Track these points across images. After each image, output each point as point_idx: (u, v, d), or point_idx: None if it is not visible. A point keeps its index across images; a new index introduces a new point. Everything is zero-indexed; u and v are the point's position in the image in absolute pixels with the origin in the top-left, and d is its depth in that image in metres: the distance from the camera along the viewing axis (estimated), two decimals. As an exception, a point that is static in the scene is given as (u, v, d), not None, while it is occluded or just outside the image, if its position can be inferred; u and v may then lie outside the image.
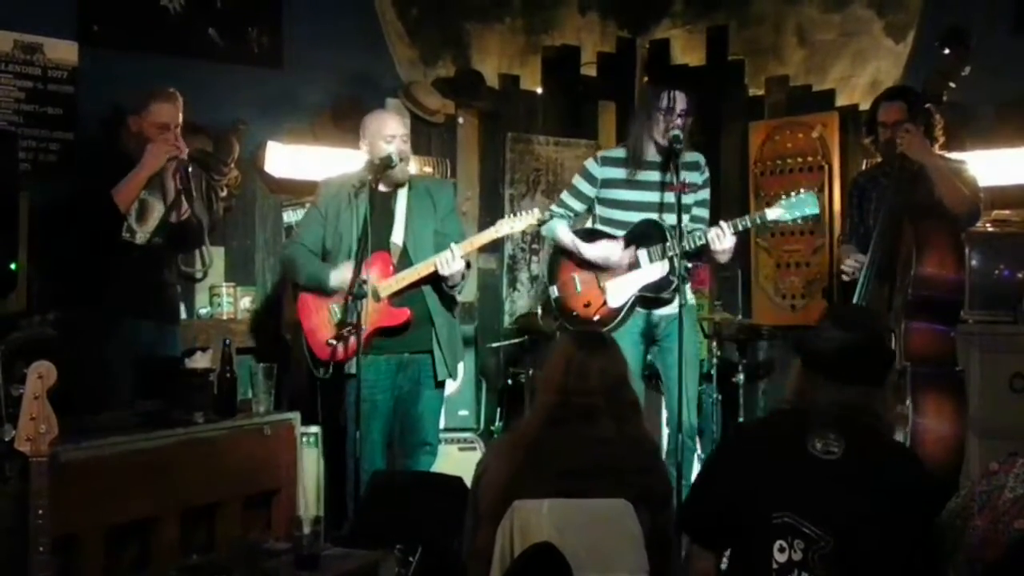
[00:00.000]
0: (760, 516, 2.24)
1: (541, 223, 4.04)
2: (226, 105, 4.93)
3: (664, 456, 3.62)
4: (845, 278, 4.00)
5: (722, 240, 3.76)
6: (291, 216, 5.17)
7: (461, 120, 5.90)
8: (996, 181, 4.62)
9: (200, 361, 3.56)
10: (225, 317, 4.83)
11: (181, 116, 3.93)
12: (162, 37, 4.87)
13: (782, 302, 5.74)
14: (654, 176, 3.97)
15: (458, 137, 5.90)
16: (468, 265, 4.01)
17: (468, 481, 2.87)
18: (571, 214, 4.13)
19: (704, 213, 4.02)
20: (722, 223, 3.79)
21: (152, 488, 3.11)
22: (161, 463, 3.16)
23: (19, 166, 4.23)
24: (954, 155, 4.16)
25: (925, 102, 3.87)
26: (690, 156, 3.99)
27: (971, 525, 2.52)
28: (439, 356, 3.99)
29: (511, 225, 3.96)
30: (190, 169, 3.91)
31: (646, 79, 6.44)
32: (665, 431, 4.51)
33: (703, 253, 3.89)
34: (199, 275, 4.25)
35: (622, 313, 3.94)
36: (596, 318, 3.97)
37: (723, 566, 2.42)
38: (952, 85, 3.81)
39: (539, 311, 5.56)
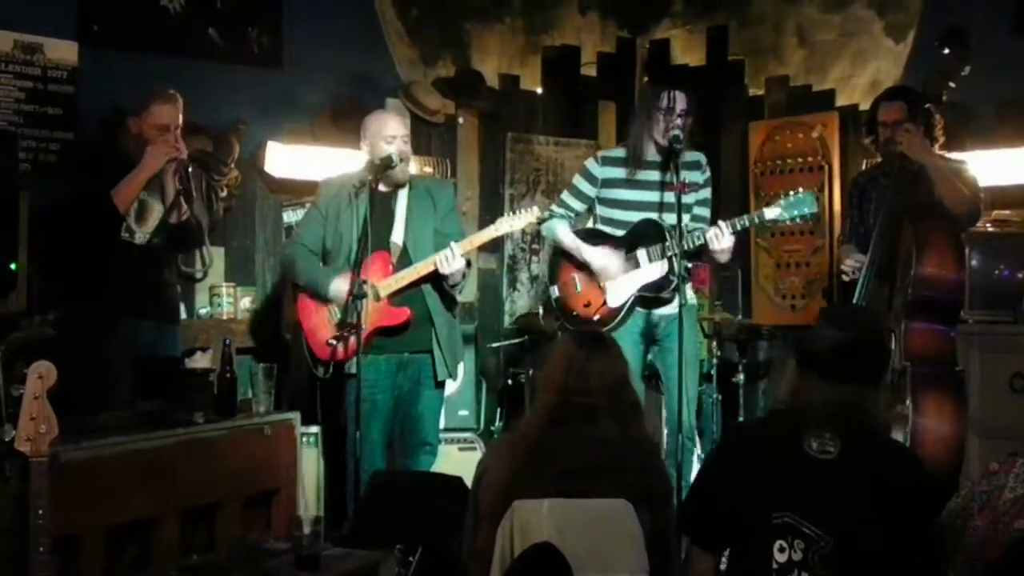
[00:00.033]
0: (760, 516, 2.24)
1: (541, 221, 4.04)
2: (226, 105, 4.93)
3: (664, 456, 3.63)
4: (845, 278, 4.01)
5: (720, 240, 3.76)
6: (291, 216, 5.17)
7: (461, 120, 5.90)
8: (996, 181, 4.62)
9: (200, 361, 3.57)
10: (225, 317, 4.83)
11: (181, 117, 3.93)
12: (162, 37, 4.87)
13: (782, 302, 5.74)
14: (654, 176, 3.97)
15: (458, 137, 5.90)
16: (468, 264, 4.01)
17: (468, 481, 2.87)
18: (571, 214, 4.13)
19: (705, 212, 4.02)
20: (720, 223, 3.79)
21: (152, 488, 3.11)
22: (161, 463, 3.16)
23: (19, 166, 4.24)
24: (954, 155, 4.16)
25: (925, 102, 3.87)
26: (691, 155, 3.99)
27: (971, 525, 2.52)
28: (439, 356, 3.99)
29: (511, 223, 3.96)
30: (190, 169, 3.91)
31: (646, 79, 6.44)
32: (665, 431, 4.51)
33: (703, 253, 3.89)
34: (199, 275, 4.25)
35: (622, 313, 3.94)
36: (596, 318, 3.97)
37: (723, 567, 2.42)
38: (952, 85, 3.81)
39: (540, 311, 5.56)
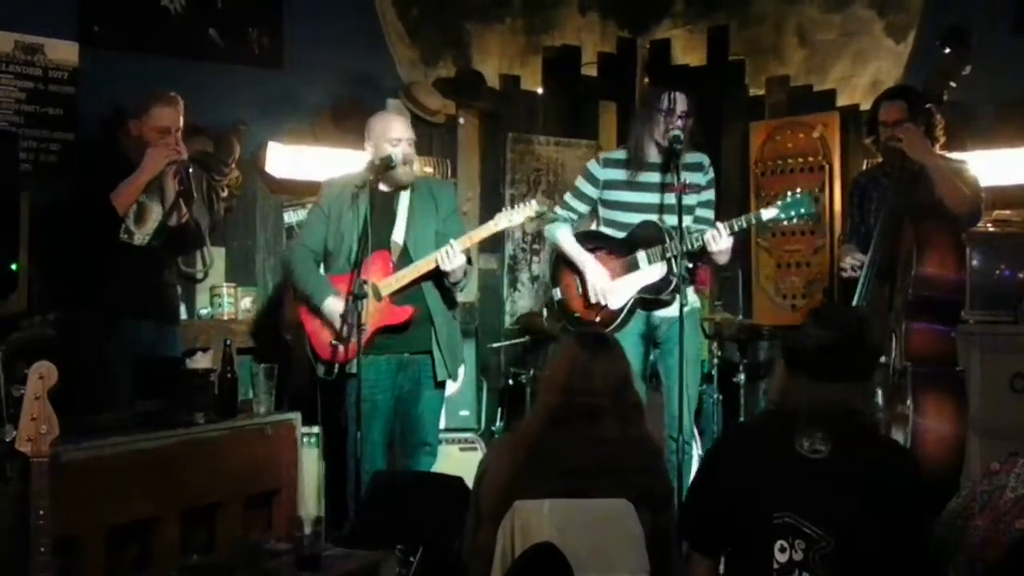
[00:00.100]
0: (760, 516, 2.24)
1: (539, 214, 4.03)
2: (227, 105, 4.93)
3: (665, 456, 3.62)
4: (844, 275, 4.01)
5: (718, 241, 3.75)
6: (292, 217, 5.17)
7: (462, 120, 5.90)
8: (996, 181, 4.61)
9: (201, 361, 3.57)
10: (226, 317, 4.83)
11: (182, 120, 3.93)
12: (163, 38, 4.87)
13: (783, 302, 5.74)
14: (655, 178, 3.97)
15: (459, 137, 5.90)
16: (469, 261, 4.01)
17: (469, 481, 2.87)
18: (574, 216, 4.13)
19: (708, 214, 4.00)
20: (718, 224, 3.79)
21: (153, 488, 3.11)
22: (162, 463, 3.16)
23: (20, 166, 4.23)
24: (955, 155, 4.16)
25: (926, 102, 3.87)
26: (694, 157, 3.98)
27: (972, 525, 2.52)
28: (438, 356, 3.99)
29: (509, 218, 3.96)
30: (191, 170, 3.91)
31: (647, 81, 6.44)
32: (666, 432, 4.51)
33: (703, 254, 3.89)
34: (200, 276, 4.25)
35: (622, 315, 3.94)
36: (597, 319, 3.97)
37: (721, 568, 2.42)
38: (953, 85, 3.81)
39: (544, 312, 5.55)
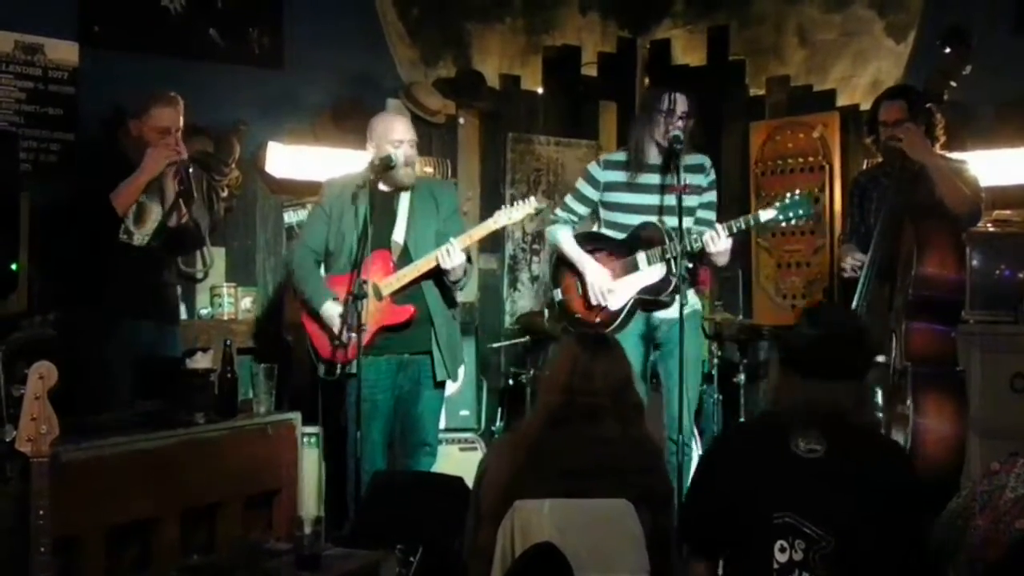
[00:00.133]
0: (759, 517, 2.24)
1: (539, 212, 4.04)
2: (227, 105, 4.93)
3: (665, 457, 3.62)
4: (845, 275, 4.01)
5: (717, 242, 3.74)
6: (292, 217, 5.17)
7: (462, 120, 5.90)
8: (996, 181, 4.61)
9: (201, 361, 3.56)
10: (226, 317, 4.83)
11: (182, 120, 3.93)
12: (163, 38, 4.87)
13: (783, 302, 5.74)
14: (656, 179, 3.97)
15: (459, 137, 5.90)
16: (469, 260, 4.02)
17: (469, 481, 2.87)
18: (575, 218, 4.13)
19: (709, 216, 3.99)
20: (717, 225, 3.78)
21: (153, 488, 3.11)
22: (162, 463, 3.16)
23: (20, 166, 4.24)
24: (955, 155, 4.16)
25: (926, 101, 3.87)
26: (695, 159, 3.98)
27: (972, 525, 2.52)
28: (438, 357, 3.99)
29: (509, 215, 3.96)
30: (191, 170, 3.91)
31: (647, 80, 6.44)
32: (665, 433, 4.51)
33: (702, 256, 3.88)
34: (200, 276, 4.25)
35: (622, 316, 3.94)
36: (597, 320, 3.97)
37: (720, 571, 2.42)
38: (953, 84, 3.80)
39: (545, 313, 5.55)
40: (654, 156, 3.96)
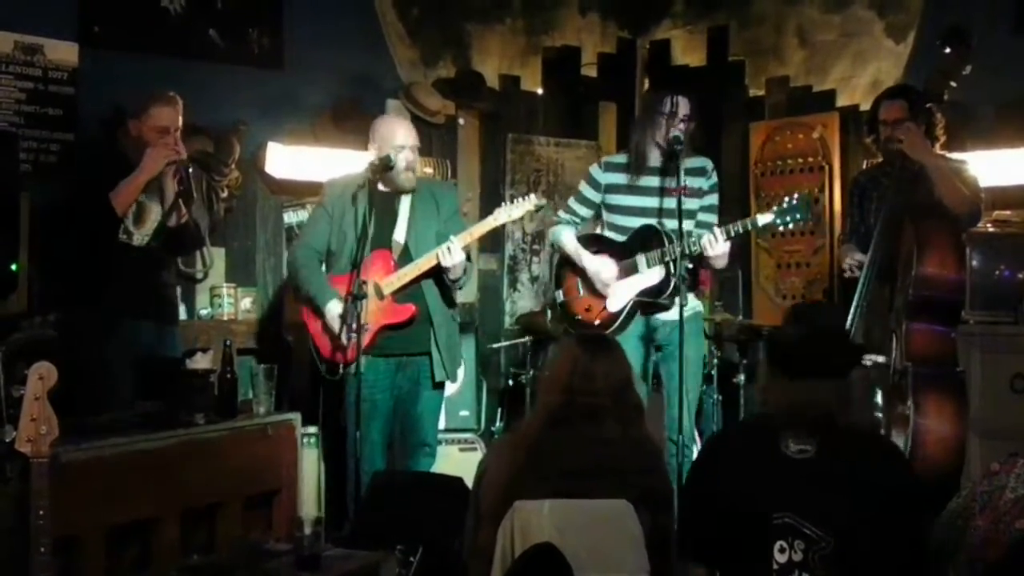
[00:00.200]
0: (757, 518, 2.24)
1: (539, 209, 4.04)
2: (227, 106, 4.93)
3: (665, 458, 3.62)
4: (846, 275, 4.00)
5: (715, 246, 3.73)
6: (292, 217, 5.17)
7: (462, 121, 5.90)
8: (996, 181, 4.61)
9: (201, 362, 3.57)
10: (226, 318, 4.83)
11: (181, 119, 3.93)
12: (163, 38, 4.88)
13: (783, 303, 5.73)
14: (657, 181, 3.96)
15: (459, 138, 5.90)
16: (469, 258, 4.02)
17: (469, 481, 2.87)
18: (577, 219, 4.14)
19: (710, 218, 3.98)
20: (715, 228, 3.78)
21: (153, 489, 3.11)
22: (162, 464, 3.16)
23: (20, 167, 4.24)
24: (955, 155, 4.16)
25: (926, 101, 3.87)
26: (697, 161, 3.97)
27: (972, 525, 2.52)
28: (437, 357, 3.99)
29: (509, 213, 3.96)
30: (190, 170, 3.91)
31: (647, 81, 6.44)
32: (665, 434, 4.51)
33: (701, 259, 3.88)
34: (200, 276, 4.25)
35: (621, 317, 3.94)
36: (597, 322, 3.97)
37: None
38: (953, 84, 3.81)
39: (547, 314, 5.55)
40: (655, 158, 3.96)
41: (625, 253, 3.97)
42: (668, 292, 3.81)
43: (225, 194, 4.84)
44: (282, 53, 5.26)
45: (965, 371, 3.87)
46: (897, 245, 3.77)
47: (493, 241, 5.82)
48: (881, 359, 3.71)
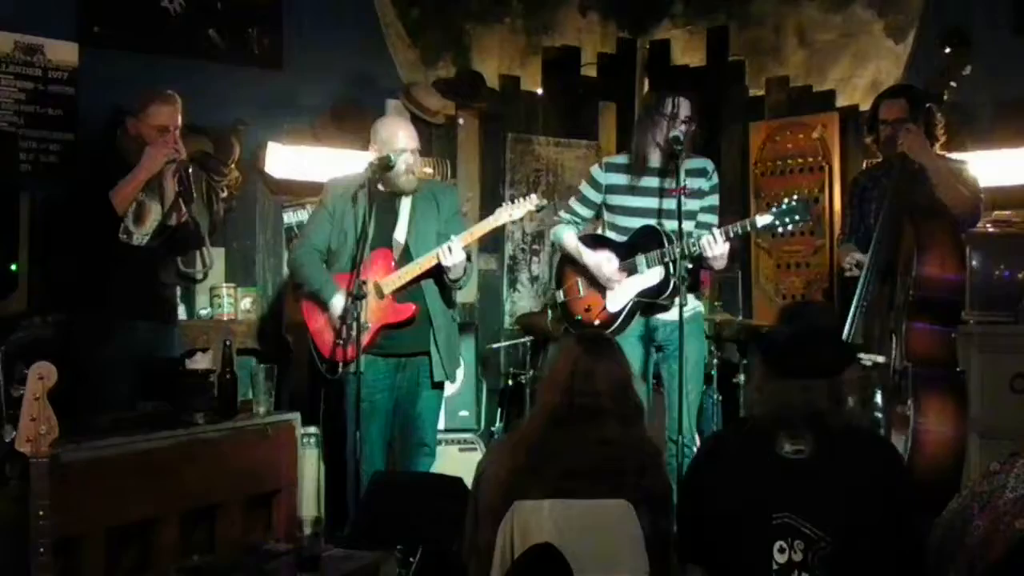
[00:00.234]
0: (756, 520, 2.24)
1: (539, 209, 4.04)
2: (226, 106, 4.94)
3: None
4: (846, 274, 4.00)
5: (713, 247, 3.73)
6: (291, 217, 5.17)
7: (461, 121, 5.90)
8: (996, 181, 4.61)
9: (200, 362, 3.57)
10: (226, 318, 4.83)
11: (180, 118, 3.93)
12: (162, 38, 4.88)
13: (783, 303, 5.73)
14: (657, 182, 3.96)
15: (458, 138, 5.91)
16: (469, 258, 4.02)
17: (468, 482, 2.86)
18: (578, 220, 4.14)
19: (710, 219, 3.97)
20: (714, 229, 3.78)
21: (153, 489, 3.11)
22: (162, 464, 3.16)
23: (20, 166, 4.24)
24: (955, 155, 4.16)
25: (926, 101, 3.87)
26: (698, 162, 3.98)
27: (972, 525, 2.52)
28: (436, 357, 3.99)
29: (510, 213, 3.96)
30: (190, 170, 3.91)
31: (647, 85, 6.44)
32: (666, 434, 4.51)
33: (700, 259, 3.88)
34: (200, 276, 4.24)
35: (621, 318, 3.94)
36: (597, 323, 3.97)
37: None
38: (953, 85, 3.80)
39: (548, 314, 5.55)
40: (656, 159, 3.96)
41: (625, 253, 3.97)
42: (668, 292, 3.82)
43: (225, 194, 4.84)
44: (282, 53, 5.26)
45: (965, 371, 3.87)
46: (897, 245, 3.77)
47: (493, 241, 5.83)
48: (881, 359, 3.70)
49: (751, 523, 2.25)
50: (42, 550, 2.35)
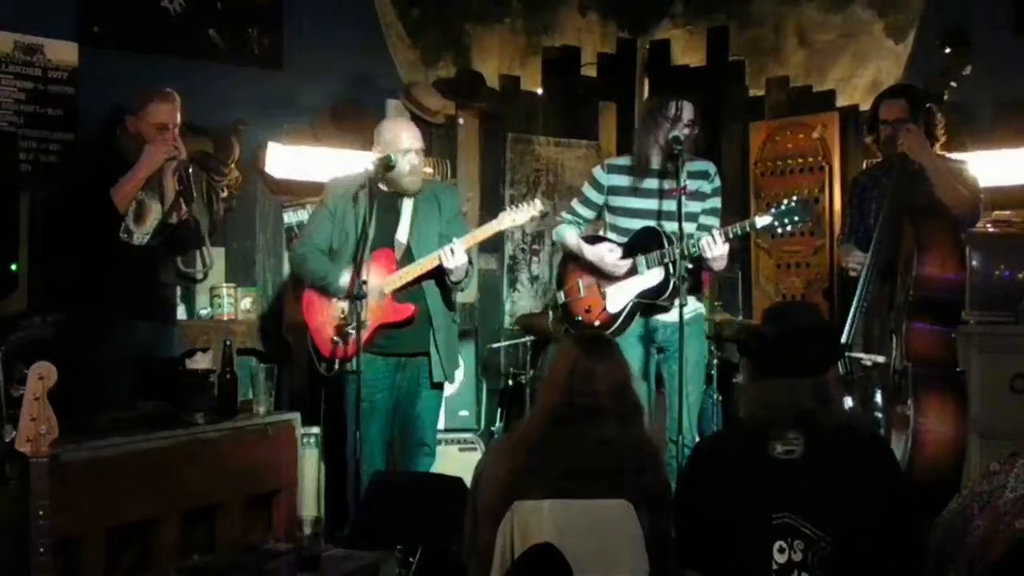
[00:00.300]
0: (754, 521, 2.24)
1: (543, 215, 4.05)
2: (226, 106, 4.94)
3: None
4: (851, 274, 3.99)
5: (713, 248, 3.74)
6: (291, 217, 5.17)
7: (461, 121, 5.90)
8: (996, 181, 4.61)
9: (200, 362, 3.57)
10: (226, 318, 4.83)
11: (179, 116, 3.93)
12: (162, 38, 4.88)
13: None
14: (659, 184, 3.97)
15: (458, 138, 5.90)
16: (470, 261, 4.02)
17: (468, 482, 2.87)
18: (580, 221, 4.14)
19: (712, 222, 3.97)
20: (713, 230, 3.78)
21: (153, 489, 3.11)
22: (162, 464, 3.16)
23: (19, 167, 4.24)
24: (955, 155, 4.16)
25: (926, 101, 3.87)
26: (700, 165, 3.98)
27: (972, 525, 2.52)
28: (436, 358, 4.00)
29: (513, 217, 3.97)
30: (190, 170, 3.91)
31: (647, 84, 6.44)
32: (667, 435, 4.51)
33: (700, 261, 3.88)
34: (200, 276, 4.25)
35: (621, 319, 3.94)
36: (597, 323, 3.98)
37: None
38: (953, 85, 3.80)
39: (549, 314, 5.55)
40: (658, 161, 3.96)
41: (625, 254, 3.97)
42: (668, 293, 3.82)
43: (225, 194, 4.84)
44: (281, 53, 5.26)
45: (965, 371, 3.87)
46: (897, 245, 3.77)
47: (493, 241, 5.81)
48: (881, 359, 3.71)
49: (751, 523, 2.25)
50: (42, 550, 2.35)
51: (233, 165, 4.87)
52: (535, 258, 6.16)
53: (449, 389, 4.28)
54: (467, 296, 5.49)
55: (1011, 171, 4.75)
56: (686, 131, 3.83)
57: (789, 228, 3.79)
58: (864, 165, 5.04)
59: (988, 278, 4.44)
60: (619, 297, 3.96)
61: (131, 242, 3.88)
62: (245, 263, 5.15)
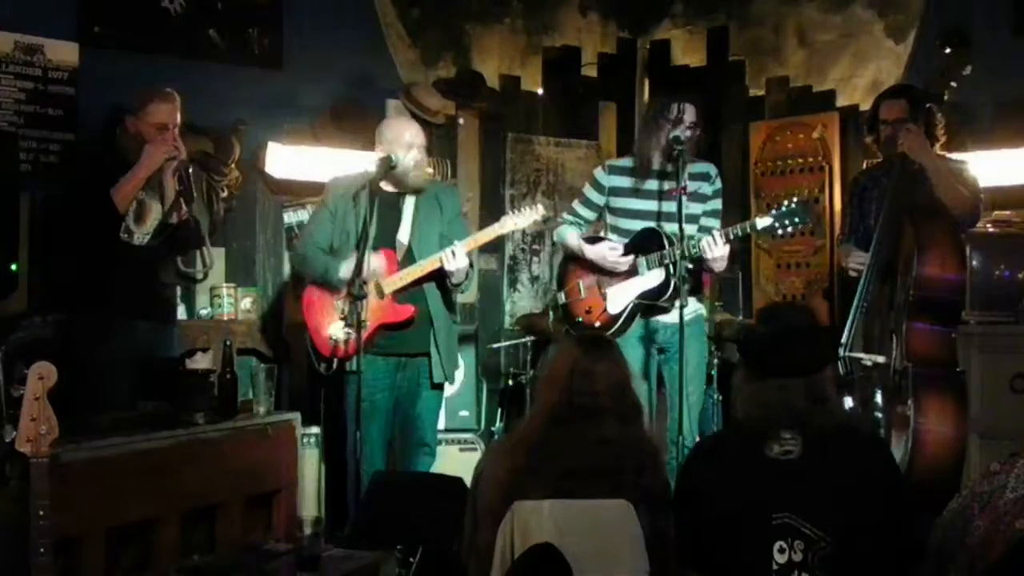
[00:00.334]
0: (754, 522, 2.24)
1: (545, 219, 4.06)
2: (226, 106, 4.94)
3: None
4: (852, 275, 3.99)
5: (713, 249, 3.74)
6: (292, 217, 5.17)
7: (461, 121, 5.90)
8: (996, 181, 4.61)
9: (201, 362, 3.57)
10: (226, 318, 4.83)
11: (179, 116, 3.93)
12: (163, 38, 4.88)
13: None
14: (660, 185, 3.97)
15: (458, 138, 5.90)
16: (471, 264, 4.02)
17: (468, 482, 2.87)
18: (581, 221, 4.15)
19: (713, 223, 3.97)
20: (714, 231, 3.79)
21: (153, 489, 3.11)
22: (162, 464, 3.16)
23: (19, 167, 4.24)
24: (955, 155, 4.16)
25: (926, 101, 3.87)
26: (701, 167, 3.98)
27: (972, 525, 2.52)
28: (436, 358, 4.00)
29: (515, 221, 3.98)
30: (190, 170, 3.91)
31: (648, 85, 6.43)
32: (668, 435, 4.51)
33: (701, 262, 3.88)
34: (200, 276, 4.25)
35: (621, 319, 3.95)
36: (597, 324, 3.98)
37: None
38: (953, 85, 3.80)
39: (550, 315, 5.55)
40: (659, 163, 3.96)
41: (627, 254, 3.97)
42: (668, 294, 3.82)
43: (225, 194, 4.84)
44: (282, 53, 5.25)
45: (965, 371, 3.87)
46: (897, 245, 3.77)
47: (493, 242, 5.82)
48: (881, 359, 3.71)
49: (751, 524, 2.25)
50: (42, 550, 2.35)
51: (233, 165, 4.87)
52: (535, 258, 6.16)
53: (449, 389, 4.28)
54: (467, 296, 5.50)
55: (1011, 171, 4.74)
56: (688, 133, 3.84)
57: (789, 230, 3.79)
58: (864, 165, 5.03)
59: (988, 278, 4.44)
60: (620, 298, 3.96)
61: (131, 242, 3.88)
62: (245, 263, 5.14)
